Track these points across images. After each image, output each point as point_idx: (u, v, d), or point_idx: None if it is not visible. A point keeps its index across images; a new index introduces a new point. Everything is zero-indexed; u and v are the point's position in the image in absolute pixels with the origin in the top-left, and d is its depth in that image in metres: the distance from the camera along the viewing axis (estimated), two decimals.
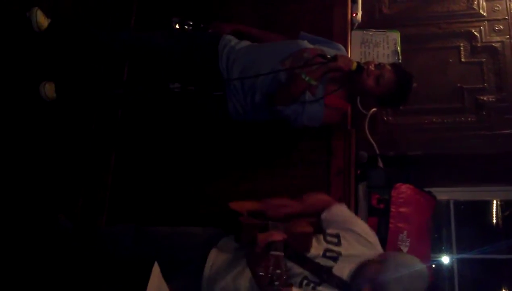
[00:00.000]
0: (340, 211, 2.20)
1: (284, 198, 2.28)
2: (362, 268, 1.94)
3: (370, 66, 2.42)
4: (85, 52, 2.78)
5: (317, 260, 1.98)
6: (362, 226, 2.15)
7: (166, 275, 2.02)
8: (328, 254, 2.00)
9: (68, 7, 2.84)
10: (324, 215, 2.17)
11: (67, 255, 2.49)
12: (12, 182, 2.51)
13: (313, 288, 1.92)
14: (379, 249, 2.12)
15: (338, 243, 2.04)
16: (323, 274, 1.94)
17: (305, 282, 1.94)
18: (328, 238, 2.06)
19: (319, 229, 2.12)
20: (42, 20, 2.56)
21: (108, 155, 2.93)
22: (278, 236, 1.78)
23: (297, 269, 1.96)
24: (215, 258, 2.14)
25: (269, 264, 1.61)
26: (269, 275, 1.58)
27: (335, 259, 1.99)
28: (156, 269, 2.13)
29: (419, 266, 1.89)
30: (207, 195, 2.72)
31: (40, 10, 2.55)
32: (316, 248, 2.01)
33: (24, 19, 2.53)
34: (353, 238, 2.06)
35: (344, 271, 1.96)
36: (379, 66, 2.44)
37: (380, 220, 2.70)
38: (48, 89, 2.66)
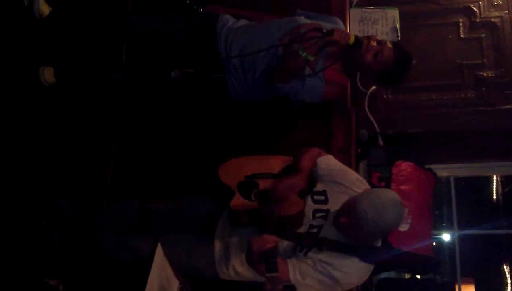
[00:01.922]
0: (327, 164, 2.24)
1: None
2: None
3: (372, 41, 2.38)
4: (83, 38, 2.77)
5: (310, 223, 2.08)
6: (348, 177, 2.20)
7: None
8: (318, 214, 2.10)
9: None
10: (313, 170, 2.23)
11: (71, 240, 2.49)
12: (12, 168, 2.50)
13: (305, 253, 2.03)
14: None
15: (326, 201, 2.13)
16: (310, 241, 2.04)
17: (298, 248, 2.05)
18: (316, 198, 2.15)
19: (312, 185, 2.20)
20: (44, 7, 2.58)
21: (108, 139, 2.94)
22: (270, 242, 1.82)
23: (290, 243, 2.06)
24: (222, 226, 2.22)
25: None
26: None
27: (325, 218, 2.08)
28: (159, 250, 2.14)
29: (392, 198, 1.95)
30: (208, 177, 2.72)
31: None
32: (307, 213, 2.10)
33: (21, 3, 2.53)
34: (340, 191, 2.14)
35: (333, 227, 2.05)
36: (381, 42, 2.41)
37: None
38: (47, 74, 2.67)
